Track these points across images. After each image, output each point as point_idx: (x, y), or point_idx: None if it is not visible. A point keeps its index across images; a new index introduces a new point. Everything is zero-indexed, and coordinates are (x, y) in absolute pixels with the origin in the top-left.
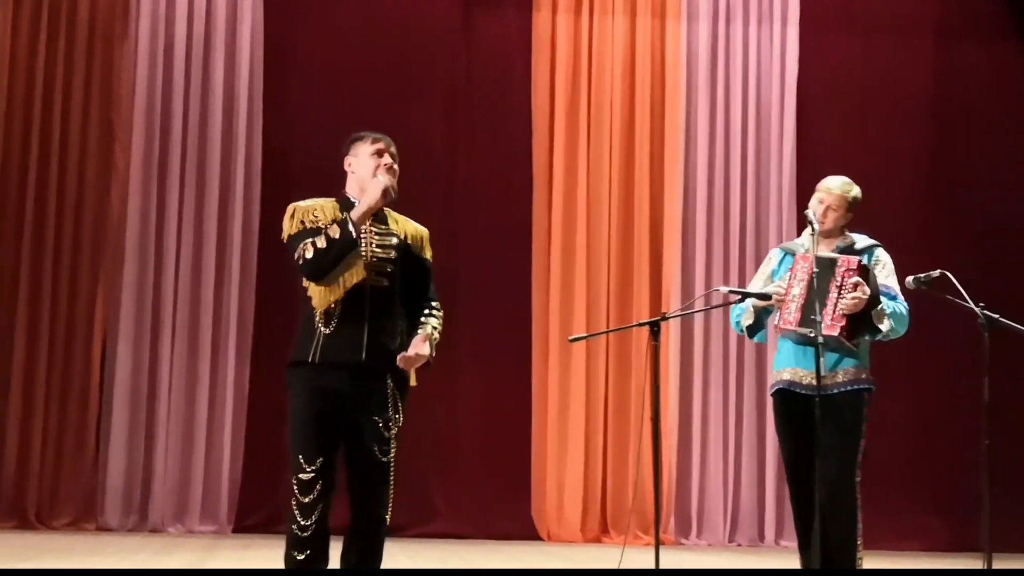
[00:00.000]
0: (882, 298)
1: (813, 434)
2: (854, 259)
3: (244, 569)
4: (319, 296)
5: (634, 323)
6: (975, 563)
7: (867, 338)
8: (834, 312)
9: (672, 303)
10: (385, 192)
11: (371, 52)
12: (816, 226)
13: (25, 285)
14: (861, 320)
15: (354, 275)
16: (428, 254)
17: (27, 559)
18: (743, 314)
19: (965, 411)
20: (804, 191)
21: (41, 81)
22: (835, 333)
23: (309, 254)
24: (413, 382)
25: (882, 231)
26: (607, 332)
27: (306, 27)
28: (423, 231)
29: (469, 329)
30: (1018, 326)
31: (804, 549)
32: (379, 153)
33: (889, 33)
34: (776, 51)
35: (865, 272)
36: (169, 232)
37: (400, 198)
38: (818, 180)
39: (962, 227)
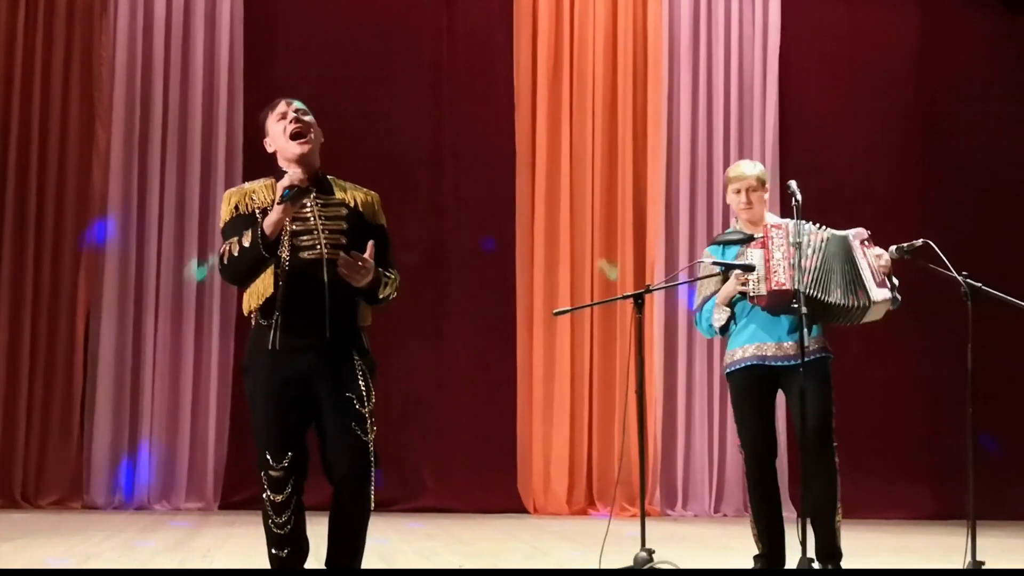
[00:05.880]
0: None
1: (773, 408)
2: (863, 230)
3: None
4: (245, 300)
5: (618, 296)
6: (960, 532)
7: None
8: (876, 279)
9: (656, 275)
10: (287, 194)
11: (353, 27)
12: (799, 197)
13: (7, 264)
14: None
15: (265, 283)
16: (382, 219)
17: (13, 538)
18: (711, 315)
19: (950, 380)
20: (787, 162)
21: (20, 59)
22: (890, 295)
23: (226, 260)
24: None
25: (869, 200)
26: (591, 305)
27: (287, 1)
28: (373, 196)
29: (454, 303)
30: (1001, 294)
31: (768, 528)
32: (282, 116)
33: (873, 1)
34: (758, 21)
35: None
36: (151, 209)
37: (385, 170)
38: (801, 150)
39: (950, 195)
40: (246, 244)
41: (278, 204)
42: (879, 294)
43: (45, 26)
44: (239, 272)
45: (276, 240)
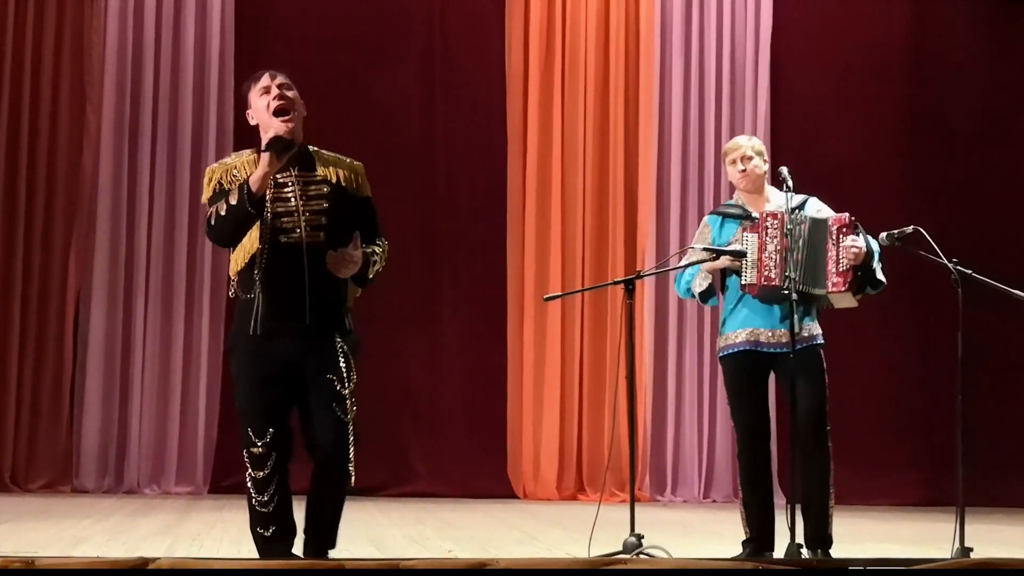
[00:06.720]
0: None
1: (766, 393)
2: (845, 215)
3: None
4: (232, 260)
5: (609, 281)
6: (949, 519)
7: (869, 291)
8: (838, 268)
9: (647, 261)
10: (272, 144)
11: (345, 12)
12: (791, 183)
13: None
14: (864, 273)
15: (251, 239)
16: (367, 191)
17: (2, 522)
18: (693, 280)
19: (939, 366)
20: (779, 150)
21: (11, 41)
22: (843, 289)
23: (213, 220)
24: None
25: (860, 187)
26: (582, 291)
27: None
28: (357, 166)
29: (445, 289)
30: (991, 281)
31: (758, 512)
32: (266, 90)
33: None
34: (750, 8)
35: (855, 227)
36: (142, 193)
37: (375, 158)
38: (793, 137)
39: (940, 182)
40: (232, 202)
41: (263, 153)
42: (829, 287)
43: (36, 9)
44: (225, 230)
45: (263, 197)
